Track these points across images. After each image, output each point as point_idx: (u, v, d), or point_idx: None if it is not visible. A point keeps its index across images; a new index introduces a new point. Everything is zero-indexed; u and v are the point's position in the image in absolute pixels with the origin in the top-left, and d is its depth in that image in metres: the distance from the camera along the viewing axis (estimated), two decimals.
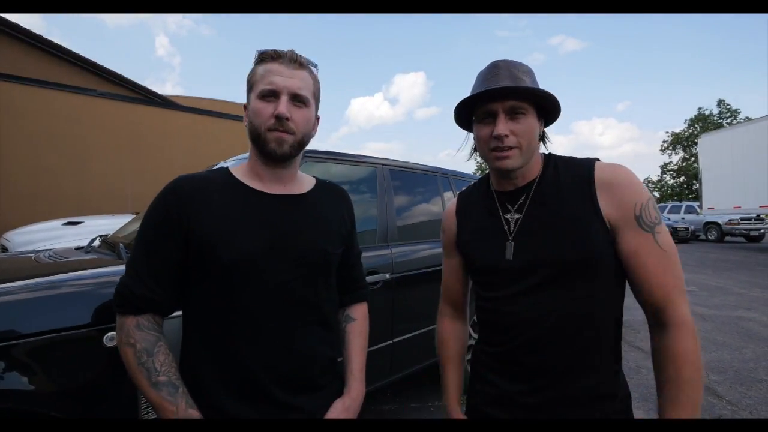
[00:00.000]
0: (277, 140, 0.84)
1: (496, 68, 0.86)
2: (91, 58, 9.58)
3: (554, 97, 0.84)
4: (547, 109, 0.88)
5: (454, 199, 1.08)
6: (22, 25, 8.43)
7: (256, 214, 0.85)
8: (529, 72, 0.87)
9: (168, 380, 0.75)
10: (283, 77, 0.84)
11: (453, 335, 1.11)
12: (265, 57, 0.86)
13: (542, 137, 0.93)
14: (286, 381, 0.83)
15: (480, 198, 1.00)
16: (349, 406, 0.92)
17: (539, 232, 0.86)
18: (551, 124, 0.93)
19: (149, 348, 0.76)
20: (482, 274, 0.95)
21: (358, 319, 1.06)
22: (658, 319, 0.81)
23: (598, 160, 0.88)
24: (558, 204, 0.86)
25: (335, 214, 0.98)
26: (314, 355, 0.88)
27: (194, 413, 0.75)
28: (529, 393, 0.87)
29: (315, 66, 0.92)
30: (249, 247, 0.81)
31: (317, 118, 0.94)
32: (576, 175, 0.87)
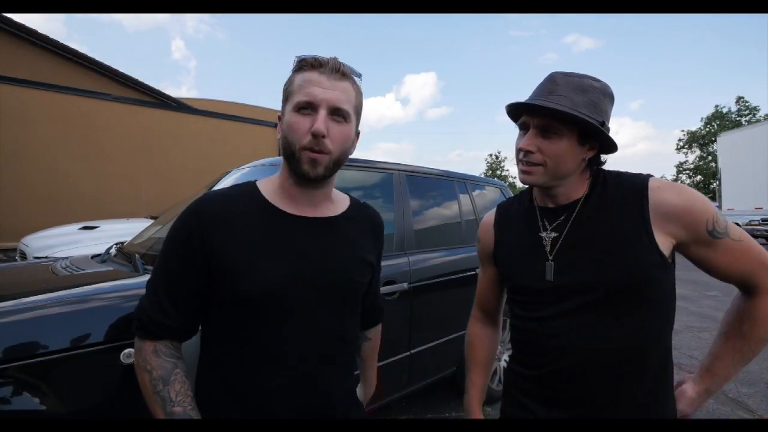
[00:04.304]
0: (311, 162, 0.76)
1: (551, 82, 0.81)
2: (108, 62, 9.74)
3: (592, 125, 0.76)
4: (594, 135, 0.80)
5: (493, 210, 1.04)
6: (39, 30, 8.60)
7: (284, 240, 0.79)
8: (589, 89, 0.79)
9: (183, 411, 0.72)
10: (322, 88, 0.76)
11: (482, 340, 1.11)
12: (303, 65, 0.78)
13: (593, 163, 0.86)
14: (308, 417, 0.78)
15: (521, 212, 0.96)
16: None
17: (583, 253, 0.81)
18: (609, 153, 0.85)
19: (165, 376, 0.73)
20: (519, 293, 0.91)
21: (373, 339, 1.13)
22: (744, 289, 0.82)
23: (650, 176, 0.82)
24: (605, 225, 0.80)
25: (366, 241, 0.92)
26: (337, 390, 0.83)
27: None
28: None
29: (359, 76, 0.83)
30: (274, 278, 0.76)
31: (357, 134, 0.86)
32: (626, 195, 0.81)
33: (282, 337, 0.76)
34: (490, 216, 1.04)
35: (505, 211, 1.01)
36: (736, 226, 0.79)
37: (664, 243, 0.77)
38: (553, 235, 0.85)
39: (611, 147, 0.82)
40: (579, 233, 0.83)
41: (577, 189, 0.86)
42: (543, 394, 0.85)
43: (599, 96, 0.79)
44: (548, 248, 0.85)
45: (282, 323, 0.76)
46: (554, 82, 0.80)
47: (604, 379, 0.79)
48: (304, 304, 0.78)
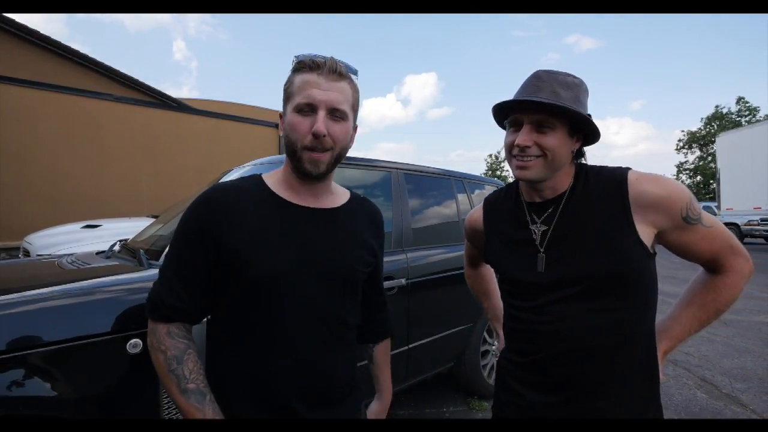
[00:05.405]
0: (312, 162, 0.81)
1: (537, 79, 0.85)
2: (109, 63, 9.79)
3: (585, 117, 0.82)
4: (582, 127, 0.86)
5: (480, 206, 1.09)
6: (41, 31, 8.64)
7: (290, 228, 0.84)
8: (573, 86, 0.84)
9: (196, 388, 0.76)
10: (321, 90, 0.79)
11: (480, 274, 1.28)
12: (302, 66, 0.82)
13: (578, 155, 0.91)
14: (310, 395, 0.83)
15: (509, 207, 1.00)
16: (380, 411, 1.10)
17: (570, 246, 0.85)
18: (591, 144, 0.91)
19: (179, 356, 0.77)
20: (512, 285, 0.95)
21: (381, 344, 1.13)
22: (710, 268, 0.90)
23: (629, 169, 0.87)
24: (589, 218, 0.85)
25: (366, 232, 0.96)
26: (337, 370, 0.88)
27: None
28: (558, 405, 0.86)
29: (355, 73, 0.87)
30: (281, 263, 0.80)
31: (355, 128, 0.91)
32: (608, 188, 0.85)
33: (288, 320, 0.80)
34: (477, 211, 1.08)
35: (492, 205, 1.05)
36: (708, 213, 0.85)
37: (645, 232, 0.81)
38: (543, 228, 0.89)
39: (594, 137, 0.88)
40: (566, 226, 0.87)
41: (562, 182, 0.90)
42: (535, 379, 0.89)
43: (580, 91, 0.85)
44: (538, 241, 0.89)
45: (288, 307, 0.80)
46: (540, 79, 0.84)
47: (593, 363, 0.83)
48: (309, 289, 0.82)
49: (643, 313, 0.85)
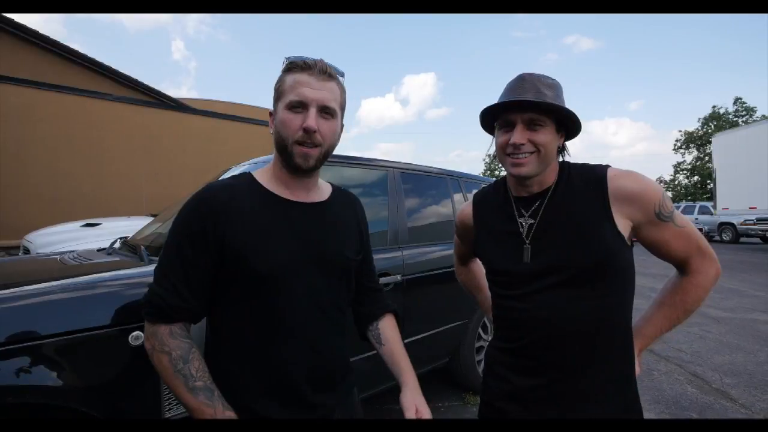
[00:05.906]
0: (303, 156, 0.85)
1: (521, 81, 0.90)
2: (108, 63, 9.83)
3: (572, 113, 0.88)
4: (567, 123, 0.92)
5: (470, 202, 1.14)
6: (41, 31, 8.67)
7: (287, 223, 0.87)
8: (553, 86, 0.90)
9: (204, 385, 0.77)
10: (312, 89, 0.83)
11: (469, 270, 1.33)
12: (293, 66, 0.85)
13: (561, 150, 0.96)
14: (314, 380, 0.87)
15: (498, 202, 1.05)
16: (414, 397, 1.01)
17: (555, 237, 0.91)
18: (572, 138, 0.96)
19: (185, 355, 0.78)
20: (500, 275, 1.00)
21: (385, 320, 1.09)
22: (680, 268, 0.95)
23: (609, 166, 0.92)
24: (572, 211, 0.90)
25: (352, 221, 1.02)
26: (337, 355, 0.93)
27: (231, 414, 0.78)
28: (542, 388, 0.91)
29: (342, 75, 0.92)
30: (282, 257, 0.84)
31: (342, 127, 0.95)
32: (589, 183, 0.91)
33: (290, 310, 0.84)
34: (467, 207, 1.13)
35: (482, 201, 1.10)
36: (681, 214, 0.90)
37: (622, 224, 0.87)
38: (530, 221, 0.95)
39: (576, 132, 0.94)
40: (551, 218, 0.92)
41: (549, 177, 0.95)
42: (520, 363, 0.94)
43: (560, 90, 0.92)
44: (525, 233, 0.95)
45: (289, 298, 0.84)
46: (525, 81, 0.90)
47: (575, 347, 0.88)
48: (307, 279, 0.86)
49: (621, 300, 0.90)
